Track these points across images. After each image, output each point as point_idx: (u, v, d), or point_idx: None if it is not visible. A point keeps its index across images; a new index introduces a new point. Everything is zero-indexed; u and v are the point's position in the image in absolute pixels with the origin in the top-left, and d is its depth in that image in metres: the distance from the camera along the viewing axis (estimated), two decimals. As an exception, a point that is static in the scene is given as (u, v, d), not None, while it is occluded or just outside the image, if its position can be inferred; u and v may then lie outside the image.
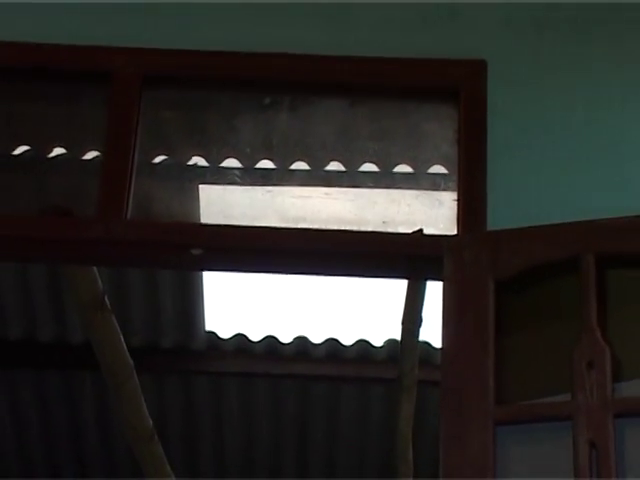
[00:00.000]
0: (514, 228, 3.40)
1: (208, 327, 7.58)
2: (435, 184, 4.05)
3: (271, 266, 3.87)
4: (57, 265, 5.42)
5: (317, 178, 4.84)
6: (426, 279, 3.81)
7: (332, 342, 7.57)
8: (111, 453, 8.21)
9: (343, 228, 3.77)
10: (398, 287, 4.76)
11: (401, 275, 3.92)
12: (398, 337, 5.14)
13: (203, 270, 5.90)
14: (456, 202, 3.63)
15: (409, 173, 4.46)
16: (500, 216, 3.48)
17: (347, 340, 7.57)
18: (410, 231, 3.61)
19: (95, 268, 4.36)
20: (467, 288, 3.37)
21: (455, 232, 3.56)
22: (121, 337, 4.62)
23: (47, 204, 4.37)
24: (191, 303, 7.38)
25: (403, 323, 4.78)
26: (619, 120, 3.62)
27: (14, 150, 5.41)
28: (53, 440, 8.33)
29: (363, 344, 7.52)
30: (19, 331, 7.69)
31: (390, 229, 3.73)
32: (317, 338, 7.59)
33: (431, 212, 3.91)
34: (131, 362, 4.69)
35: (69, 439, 8.30)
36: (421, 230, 3.58)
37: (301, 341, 7.59)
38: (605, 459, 3.07)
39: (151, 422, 4.88)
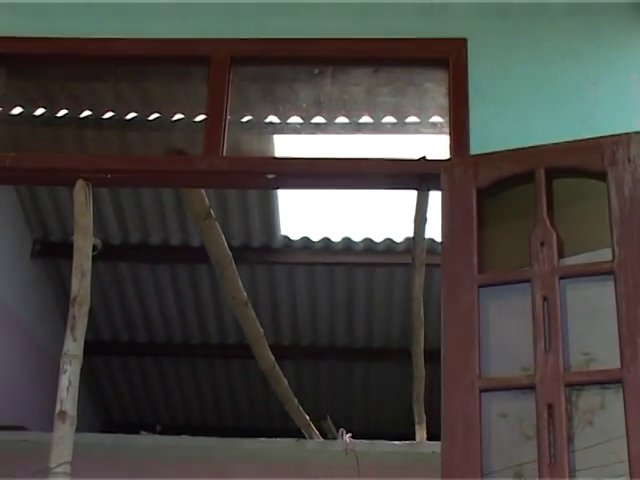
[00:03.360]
0: (488, 152, 3.38)
1: (283, 232, 7.60)
2: (435, 128, 4.02)
3: (323, 184, 3.86)
4: (178, 188, 5.40)
5: (353, 127, 4.81)
6: (429, 190, 3.76)
7: (367, 240, 7.58)
8: (221, 316, 8.30)
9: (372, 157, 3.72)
10: (410, 197, 4.70)
11: (412, 188, 3.88)
12: (412, 233, 5.08)
13: (277, 189, 5.87)
14: (449, 137, 3.58)
15: (417, 122, 4.43)
16: (479, 145, 3.45)
17: (377, 238, 7.58)
18: (417, 158, 3.56)
19: (203, 190, 4.35)
20: (457, 195, 3.34)
21: (448, 157, 3.51)
22: (223, 238, 4.61)
23: (170, 148, 4.37)
24: (271, 214, 7.39)
25: (415, 221, 4.74)
26: (558, 74, 3.57)
27: (149, 116, 5.41)
28: (182, 311, 8.42)
29: (389, 240, 7.53)
30: (158, 238, 7.75)
31: (404, 157, 3.69)
32: (357, 237, 7.60)
33: (432, 145, 3.88)
34: (230, 254, 4.67)
35: (194, 310, 8.39)
36: (424, 157, 3.54)
37: (346, 240, 7.60)
38: (553, 307, 3.08)
39: (245, 294, 4.89)
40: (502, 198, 3.37)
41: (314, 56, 3.81)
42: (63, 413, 3.30)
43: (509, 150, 3.34)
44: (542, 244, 3.16)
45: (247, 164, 3.78)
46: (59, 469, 3.21)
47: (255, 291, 7.64)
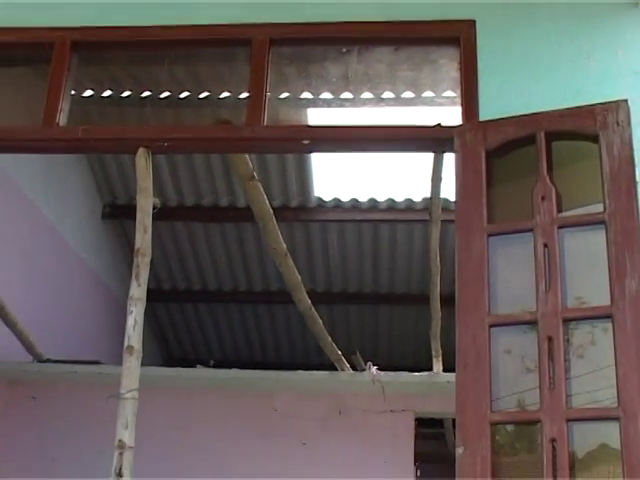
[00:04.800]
0: (495, 119, 3.33)
1: (317, 193, 7.59)
2: (449, 101, 3.98)
3: (351, 148, 3.80)
4: (225, 154, 5.37)
5: (376, 100, 4.74)
6: (444, 152, 3.71)
7: (390, 200, 7.55)
8: (264, 267, 8.32)
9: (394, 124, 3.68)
10: (427, 161, 4.65)
11: (429, 150, 3.85)
12: (429, 193, 5.03)
13: (311, 153, 5.82)
14: (460, 107, 3.53)
15: (432, 96, 4.37)
16: (487, 112, 3.39)
17: (399, 198, 7.55)
18: (433, 125, 3.51)
19: (247, 155, 4.32)
20: (468, 157, 3.30)
21: (460, 123, 3.46)
22: (265, 197, 4.58)
23: (217, 118, 4.34)
24: (306, 178, 7.38)
25: (432, 181, 4.69)
26: (556, 50, 3.50)
27: (200, 94, 5.39)
28: (231, 263, 8.45)
29: (409, 200, 7.50)
30: (210, 200, 7.76)
31: (422, 124, 3.63)
32: (381, 197, 7.58)
33: (446, 113, 3.84)
34: (271, 211, 4.63)
35: (241, 262, 8.41)
36: (440, 123, 3.49)
37: (372, 200, 7.58)
38: (553, 253, 3.05)
39: (285, 246, 4.86)
40: (508, 159, 3.32)
41: (342, 37, 3.75)
42: (130, 347, 3.33)
43: (513, 116, 3.29)
44: (543, 198, 3.13)
45: (285, 131, 3.76)
46: (128, 395, 3.25)
47: (293, 245, 7.65)
